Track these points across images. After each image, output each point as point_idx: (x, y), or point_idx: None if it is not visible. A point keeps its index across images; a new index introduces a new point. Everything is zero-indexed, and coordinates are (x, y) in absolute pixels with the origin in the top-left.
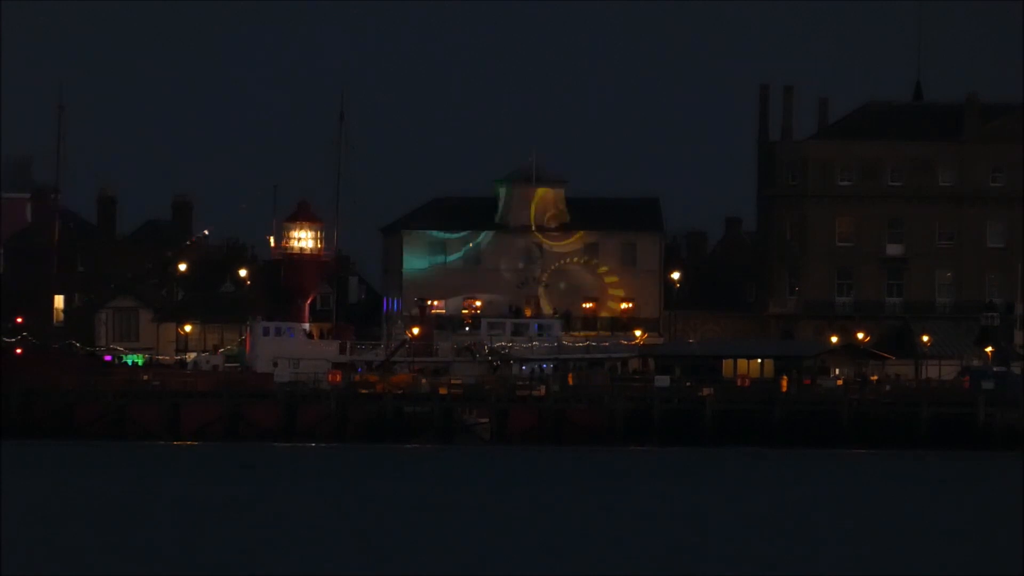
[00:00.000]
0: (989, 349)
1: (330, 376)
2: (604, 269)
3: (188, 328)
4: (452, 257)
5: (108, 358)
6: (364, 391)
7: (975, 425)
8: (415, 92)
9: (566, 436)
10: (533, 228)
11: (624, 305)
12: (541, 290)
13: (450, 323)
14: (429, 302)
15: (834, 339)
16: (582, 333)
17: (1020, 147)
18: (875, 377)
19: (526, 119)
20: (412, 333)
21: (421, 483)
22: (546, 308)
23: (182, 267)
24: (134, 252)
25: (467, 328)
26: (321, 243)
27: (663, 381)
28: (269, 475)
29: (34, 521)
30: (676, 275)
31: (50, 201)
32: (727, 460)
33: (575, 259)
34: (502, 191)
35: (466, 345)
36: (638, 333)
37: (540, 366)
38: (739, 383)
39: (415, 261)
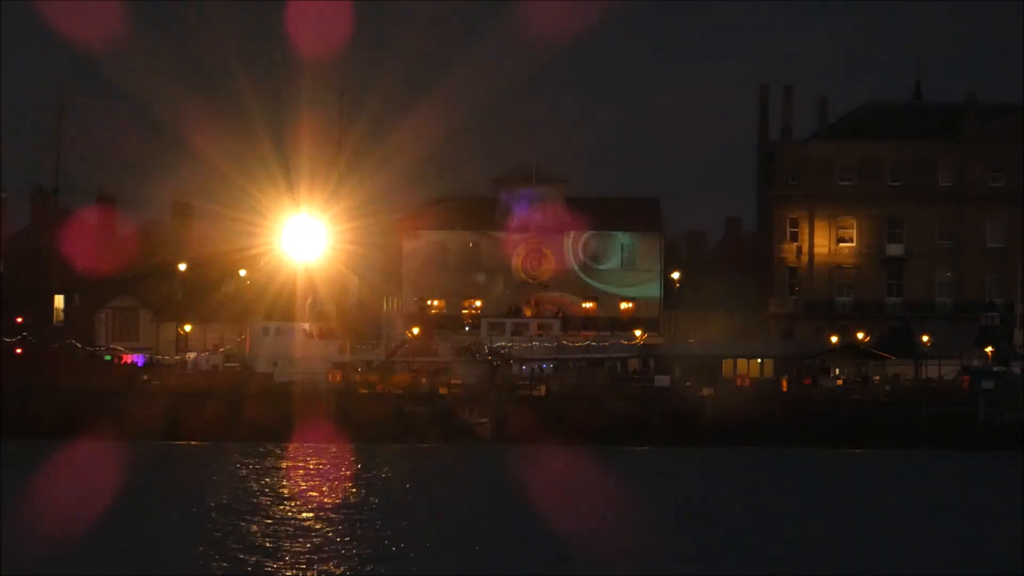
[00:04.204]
0: (989, 349)
1: (330, 376)
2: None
3: (188, 328)
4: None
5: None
6: (364, 391)
7: (975, 425)
8: (415, 92)
9: (566, 436)
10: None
11: (624, 305)
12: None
13: (450, 323)
14: (429, 302)
15: (834, 339)
16: (582, 333)
17: (1020, 147)
18: (878, 378)
19: (526, 119)
20: (412, 333)
21: (422, 483)
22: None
23: (182, 267)
24: (134, 252)
25: (467, 328)
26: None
27: (663, 381)
28: (270, 475)
29: (34, 521)
30: (676, 275)
31: (50, 201)
32: (727, 460)
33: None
34: (501, 191)
35: (466, 345)
36: (638, 333)
37: (540, 366)
38: (739, 383)
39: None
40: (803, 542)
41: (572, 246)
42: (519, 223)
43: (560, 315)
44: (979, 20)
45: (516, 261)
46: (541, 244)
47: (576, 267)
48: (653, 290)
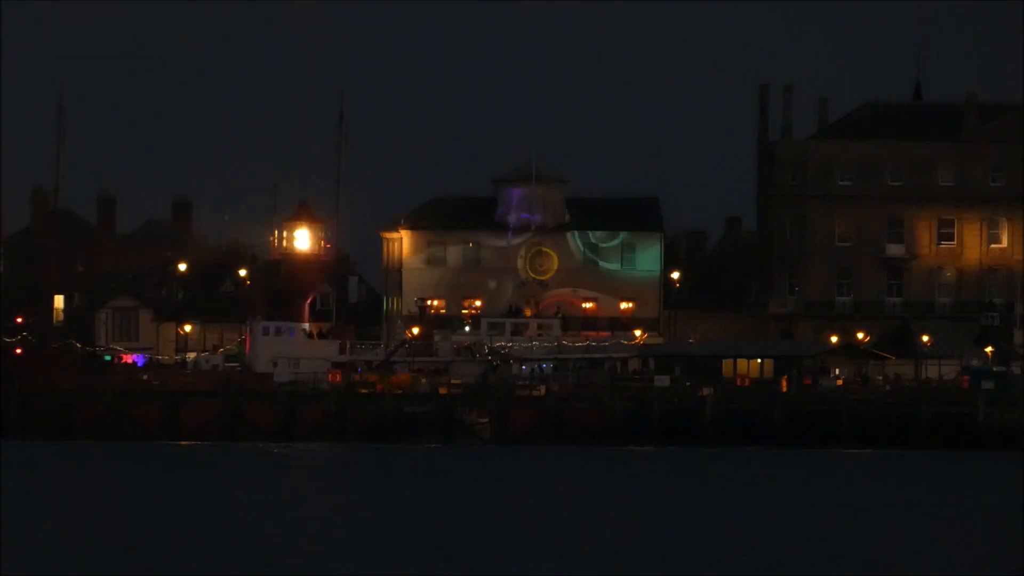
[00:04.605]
0: (989, 349)
1: (330, 376)
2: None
3: (188, 328)
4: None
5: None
6: (364, 391)
7: (975, 425)
8: (415, 92)
9: (566, 436)
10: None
11: (624, 305)
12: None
13: (450, 323)
14: (428, 302)
15: (834, 339)
16: (582, 334)
17: (1020, 147)
18: (881, 378)
19: (526, 119)
20: (412, 333)
21: (421, 483)
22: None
23: (182, 267)
24: (134, 252)
25: (467, 328)
26: (321, 243)
27: (663, 381)
28: (269, 475)
29: (34, 521)
30: (676, 275)
31: (50, 201)
32: (726, 460)
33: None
34: (501, 191)
35: (466, 345)
36: (638, 333)
37: (540, 366)
38: (739, 383)
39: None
40: (802, 542)
41: (572, 246)
42: (519, 223)
43: (560, 315)
44: (979, 20)
45: (516, 261)
46: (541, 244)
47: (576, 267)
48: (653, 290)
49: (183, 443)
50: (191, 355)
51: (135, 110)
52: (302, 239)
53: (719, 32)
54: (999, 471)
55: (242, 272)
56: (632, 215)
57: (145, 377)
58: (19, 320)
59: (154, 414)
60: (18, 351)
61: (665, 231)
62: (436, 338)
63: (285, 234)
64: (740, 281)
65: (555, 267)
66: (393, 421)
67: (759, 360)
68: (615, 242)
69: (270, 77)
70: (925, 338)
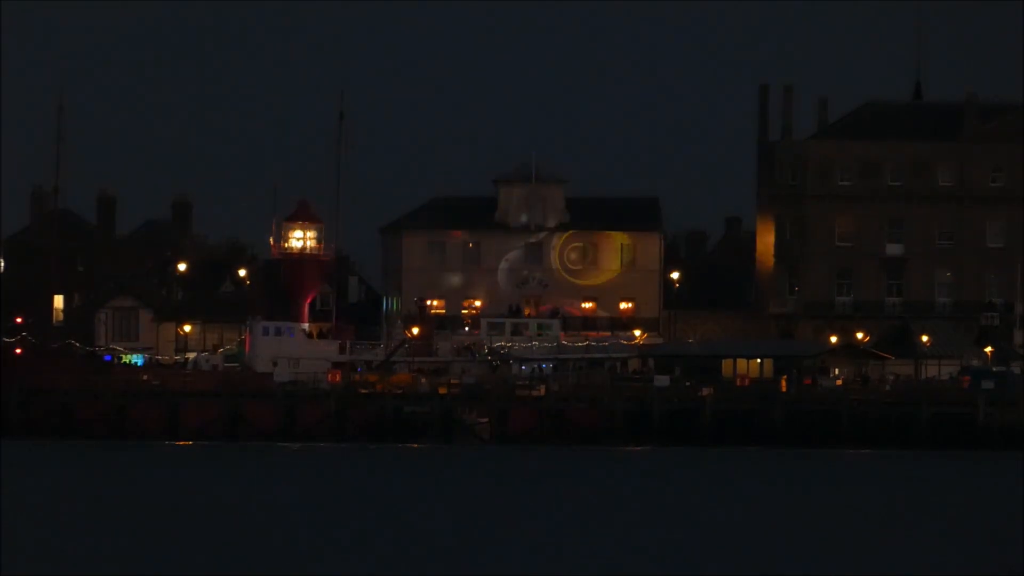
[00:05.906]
0: (989, 349)
1: (330, 376)
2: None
3: (188, 328)
4: None
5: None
6: (364, 391)
7: (975, 425)
8: (415, 92)
9: (566, 436)
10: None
11: (624, 305)
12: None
13: (450, 323)
14: (428, 302)
15: (834, 339)
16: (582, 334)
17: (1020, 147)
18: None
19: (526, 119)
20: (412, 333)
21: (421, 483)
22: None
23: (182, 267)
24: (134, 252)
25: (467, 328)
26: (321, 243)
27: (663, 381)
28: (269, 475)
29: (34, 521)
30: (676, 275)
31: (50, 201)
32: (726, 460)
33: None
34: (502, 191)
35: (466, 345)
36: (638, 333)
37: (540, 366)
38: (739, 383)
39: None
40: (802, 542)
41: (572, 246)
42: (519, 223)
43: (560, 315)
44: (979, 20)
45: (517, 261)
46: (542, 244)
47: (576, 267)
48: (653, 290)
49: (183, 443)
50: (191, 355)
51: (135, 110)
52: (302, 239)
53: (719, 32)
54: (999, 471)
55: (242, 272)
56: (632, 215)
57: (145, 377)
58: (19, 320)
59: (154, 414)
60: (18, 351)
61: (665, 231)
62: (436, 338)
63: (285, 234)
64: (740, 281)
65: (552, 268)
66: (393, 421)
67: (759, 360)
68: (613, 246)
69: (270, 77)
70: (925, 338)
